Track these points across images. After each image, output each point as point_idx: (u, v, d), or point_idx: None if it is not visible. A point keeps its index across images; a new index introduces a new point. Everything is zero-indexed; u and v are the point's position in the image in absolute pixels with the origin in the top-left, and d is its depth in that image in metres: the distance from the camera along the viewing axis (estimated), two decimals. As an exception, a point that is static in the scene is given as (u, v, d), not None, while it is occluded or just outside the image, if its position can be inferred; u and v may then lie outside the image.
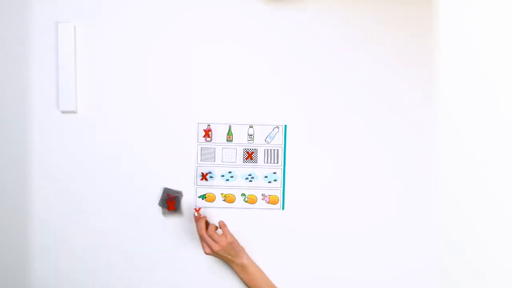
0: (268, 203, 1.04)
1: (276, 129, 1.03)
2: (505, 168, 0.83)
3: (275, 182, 1.04)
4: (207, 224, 0.99)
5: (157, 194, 1.03)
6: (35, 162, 1.03)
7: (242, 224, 1.03)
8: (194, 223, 1.03)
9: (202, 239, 0.96)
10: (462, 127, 0.93)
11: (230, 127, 1.03)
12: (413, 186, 1.03)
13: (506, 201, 0.83)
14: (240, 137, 1.03)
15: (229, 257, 0.96)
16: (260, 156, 1.04)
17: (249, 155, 1.04)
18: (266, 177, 1.03)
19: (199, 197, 1.04)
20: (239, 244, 0.99)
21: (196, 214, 0.98)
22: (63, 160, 1.03)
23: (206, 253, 0.96)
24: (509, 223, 0.82)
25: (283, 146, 1.03)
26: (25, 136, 1.03)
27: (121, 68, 1.03)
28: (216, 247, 0.94)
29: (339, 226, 1.03)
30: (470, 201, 0.90)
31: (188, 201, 1.03)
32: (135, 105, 1.03)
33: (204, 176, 1.04)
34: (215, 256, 0.98)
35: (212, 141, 1.03)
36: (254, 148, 1.03)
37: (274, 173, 1.04)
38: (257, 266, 1.00)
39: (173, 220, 1.04)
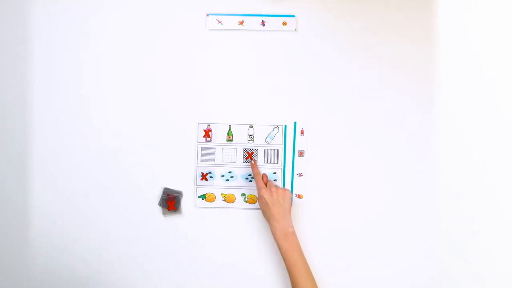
0: (268, 203, 1.03)
1: (276, 129, 1.03)
2: (505, 168, 0.83)
3: (275, 182, 1.04)
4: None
5: (157, 194, 1.03)
6: (35, 163, 1.03)
7: (242, 224, 1.03)
8: (193, 223, 1.03)
9: (257, 178, 1.00)
10: (462, 128, 0.93)
11: (230, 127, 1.04)
12: (413, 187, 1.03)
13: (506, 201, 0.83)
14: (240, 137, 1.03)
15: (278, 210, 0.95)
16: (260, 156, 1.04)
17: (249, 155, 1.04)
18: (266, 177, 1.03)
19: (199, 197, 1.04)
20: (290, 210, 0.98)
21: (253, 161, 1.02)
22: (63, 160, 1.03)
23: (261, 193, 0.97)
24: (509, 223, 0.83)
25: (283, 146, 1.04)
26: (25, 136, 1.03)
27: (121, 68, 1.03)
28: (273, 188, 0.97)
29: (338, 226, 1.03)
30: (470, 201, 0.90)
31: (188, 201, 1.03)
32: (134, 105, 1.03)
33: (204, 176, 1.04)
34: (264, 205, 0.97)
35: (212, 141, 1.04)
36: (254, 148, 1.04)
37: (274, 173, 1.04)
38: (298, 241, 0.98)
39: (173, 220, 1.04)
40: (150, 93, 1.03)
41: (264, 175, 1.02)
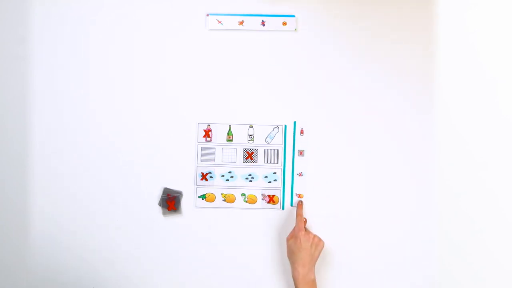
0: (268, 203, 1.04)
1: (276, 129, 1.03)
2: (505, 168, 0.83)
3: (275, 182, 1.04)
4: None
5: (157, 194, 1.03)
6: (35, 163, 1.03)
7: (242, 224, 1.03)
8: (193, 223, 1.03)
9: (299, 219, 0.98)
10: (462, 128, 0.93)
11: (230, 127, 1.04)
12: (413, 187, 1.03)
13: (506, 201, 0.83)
14: (240, 137, 1.03)
15: (307, 256, 0.93)
16: (260, 156, 1.04)
17: (249, 155, 1.04)
18: (266, 177, 1.03)
19: (199, 197, 1.04)
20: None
21: (300, 202, 1.01)
22: (63, 160, 1.03)
23: (299, 234, 0.95)
24: (509, 223, 0.83)
25: (283, 146, 1.04)
26: (25, 136, 1.03)
27: (121, 68, 1.03)
28: (311, 234, 0.97)
29: (338, 226, 1.03)
30: (470, 201, 0.90)
31: (188, 201, 1.03)
32: (134, 105, 1.03)
33: (204, 176, 1.04)
34: (295, 247, 0.95)
35: (212, 141, 1.04)
36: (254, 148, 1.04)
37: (274, 173, 1.04)
38: None
39: (173, 220, 1.04)
40: (150, 93, 1.03)
41: (305, 220, 1.01)
